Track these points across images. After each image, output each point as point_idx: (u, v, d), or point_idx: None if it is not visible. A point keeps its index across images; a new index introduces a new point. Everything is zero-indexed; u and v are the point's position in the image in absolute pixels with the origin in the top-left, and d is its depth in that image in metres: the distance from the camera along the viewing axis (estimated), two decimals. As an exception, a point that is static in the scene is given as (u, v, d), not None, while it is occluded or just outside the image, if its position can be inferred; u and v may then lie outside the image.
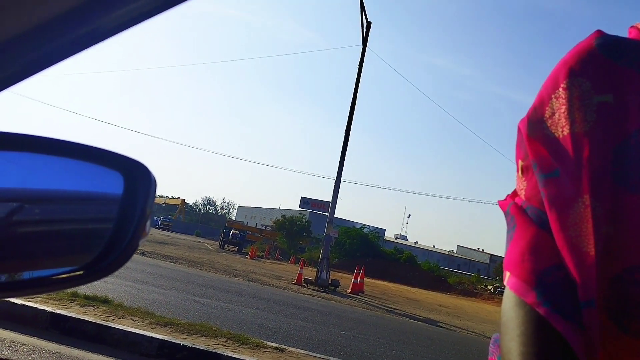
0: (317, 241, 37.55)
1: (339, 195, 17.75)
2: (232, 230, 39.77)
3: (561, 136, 0.57)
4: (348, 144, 17.61)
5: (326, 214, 18.34)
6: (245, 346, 5.44)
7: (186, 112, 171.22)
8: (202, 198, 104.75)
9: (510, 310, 0.56)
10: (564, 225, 0.55)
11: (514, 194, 0.64)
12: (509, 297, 0.56)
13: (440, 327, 12.54)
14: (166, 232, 49.07)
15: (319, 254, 18.15)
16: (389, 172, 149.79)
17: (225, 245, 37.96)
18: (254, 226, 56.55)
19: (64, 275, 0.57)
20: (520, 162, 0.62)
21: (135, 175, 0.58)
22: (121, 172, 0.58)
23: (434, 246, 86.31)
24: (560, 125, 0.57)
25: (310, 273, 18.68)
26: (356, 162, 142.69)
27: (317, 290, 15.70)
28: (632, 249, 0.53)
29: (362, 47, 17.65)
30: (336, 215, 18.82)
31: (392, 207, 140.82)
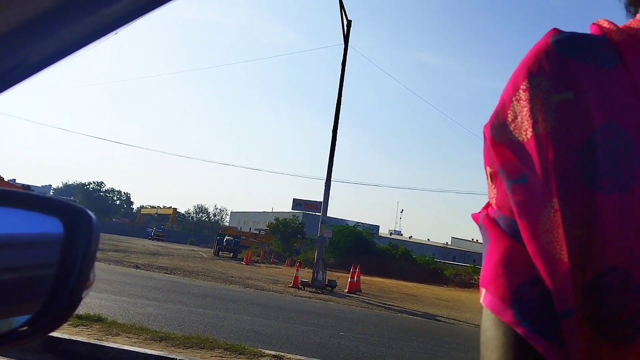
0: (312, 242, 37.47)
1: (330, 195, 17.74)
2: (226, 237, 39.64)
3: (525, 140, 0.55)
4: (336, 143, 17.61)
5: (319, 214, 18.30)
6: (243, 356, 5.39)
7: (174, 121, 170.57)
8: (194, 206, 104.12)
9: (488, 329, 0.54)
10: (535, 233, 0.52)
11: (488, 204, 0.61)
12: (487, 315, 0.54)
13: (439, 321, 12.56)
14: (159, 243, 48.80)
15: (314, 255, 18.10)
16: (380, 168, 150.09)
17: (220, 252, 37.83)
18: (248, 231, 56.44)
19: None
20: (488, 169, 0.60)
21: (76, 222, 0.53)
22: (61, 219, 0.54)
23: (428, 239, 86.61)
24: (524, 128, 0.55)
25: (306, 275, 18.64)
26: (347, 160, 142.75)
27: (314, 292, 15.66)
28: (605, 252, 0.51)
29: (344, 45, 17.65)
30: (329, 214, 18.79)
31: (384, 203, 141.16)
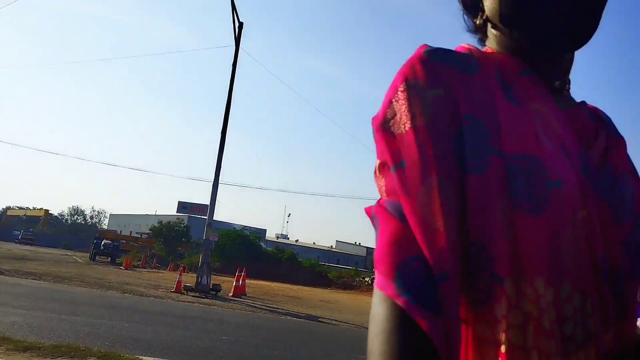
0: (197, 246, 36.52)
1: (217, 198, 17.45)
2: (104, 240, 37.29)
3: (404, 131, 0.63)
4: (225, 146, 17.38)
5: (205, 217, 17.91)
6: (118, 363, 5.15)
7: (48, 116, 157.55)
8: (69, 207, 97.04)
9: (375, 306, 0.58)
10: (415, 207, 0.59)
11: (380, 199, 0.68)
12: (375, 294, 0.58)
13: (322, 322, 12.86)
14: (28, 247, 44.82)
15: (199, 259, 17.69)
16: (268, 172, 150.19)
17: (97, 257, 35.51)
18: (129, 234, 53.61)
19: None
20: (377, 161, 0.67)
21: None
22: None
23: (314, 243, 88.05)
24: (402, 122, 0.64)
25: (190, 279, 18.14)
26: (235, 163, 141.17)
27: (197, 297, 15.30)
28: (470, 227, 0.59)
29: (235, 47, 17.51)
30: (216, 218, 18.46)
31: (272, 207, 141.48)
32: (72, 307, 9.50)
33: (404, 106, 0.64)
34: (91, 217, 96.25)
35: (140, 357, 5.56)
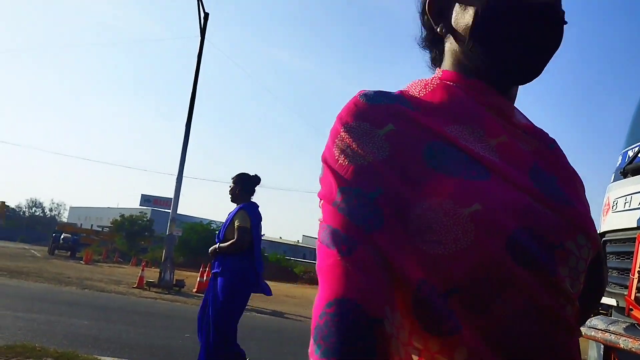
0: (161, 240, 35.89)
1: (182, 191, 17.16)
2: (63, 234, 36.36)
3: (354, 167, 0.69)
4: (189, 138, 17.09)
5: (169, 211, 17.58)
6: (76, 364, 4.98)
7: (4, 105, 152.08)
8: (27, 200, 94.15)
9: None
10: (353, 261, 0.64)
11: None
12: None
13: (287, 317, 12.82)
14: (-18, 240, 43.13)
15: (163, 253, 17.36)
16: (235, 165, 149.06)
17: (56, 251, 34.57)
18: (90, 228, 52.34)
19: None
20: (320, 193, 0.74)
21: None
22: None
23: (280, 238, 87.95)
24: (355, 158, 0.69)
25: (153, 274, 17.81)
26: (201, 156, 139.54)
27: (160, 293, 15.02)
28: (418, 265, 0.66)
29: (200, 38, 17.21)
30: (181, 212, 18.20)
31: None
32: (28, 304, 9.17)
33: (349, 148, 0.69)
34: (50, 210, 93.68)
35: (99, 357, 5.39)
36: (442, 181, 0.67)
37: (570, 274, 0.69)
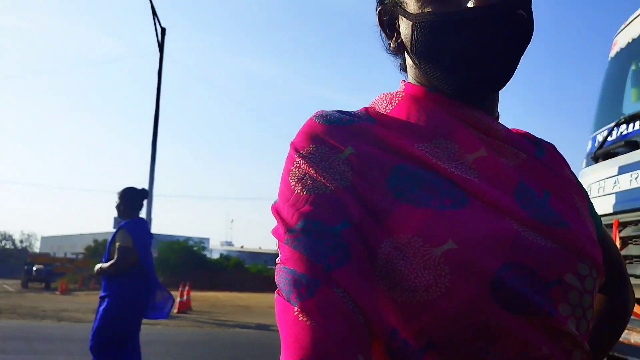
0: (138, 262, 35.24)
1: (155, 211, 16.83)
2: (36, 265, 35.36)
3: (313, 196, 0.60)
4: (157, 156, 16.79)
5: (143, 232, 17.18)
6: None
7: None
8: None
9: None
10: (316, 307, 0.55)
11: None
12: None
13: (273, 330, 12.63)
14: (-49, 280, 41.73)
15: (140, 277, 16.94)
16: (208, 180, 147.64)
17: (29, 283, 33.65)
18: (64, 256, 51.18)
19: None
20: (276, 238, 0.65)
21: None
22: None
23: (260, 248, 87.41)
24: (315, 188, 0.60)
25: (132, 299, 17.37)
26: (173, 173, 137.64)
27: (141, 317, 14.65)
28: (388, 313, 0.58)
29: (159, 54, 16.93)
30: (157, 231, 17.84)
31: (214, 214, 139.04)
32: (0, 344, 8.80)
33: (307, 175, 0.61)
34: (21, 242, 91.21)
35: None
36: (410, 214, 0.57)
37: (574, 313, 0.58)
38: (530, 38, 0.65)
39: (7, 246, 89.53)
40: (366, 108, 0.71)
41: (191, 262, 36.52)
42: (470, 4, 0.61)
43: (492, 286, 0.53)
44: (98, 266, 4.27)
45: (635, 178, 2.79)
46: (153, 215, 16.90)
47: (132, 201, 4.44)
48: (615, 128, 3.19)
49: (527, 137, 0.74)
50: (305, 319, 0.53)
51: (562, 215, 0.62)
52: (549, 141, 0.77)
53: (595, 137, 3.51)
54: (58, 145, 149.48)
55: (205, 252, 42.05)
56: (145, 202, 4.60)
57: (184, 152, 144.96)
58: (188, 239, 42.74)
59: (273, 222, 0.65)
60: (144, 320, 4.42)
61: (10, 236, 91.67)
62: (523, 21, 0.63)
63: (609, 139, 3.21)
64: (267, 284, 34.23)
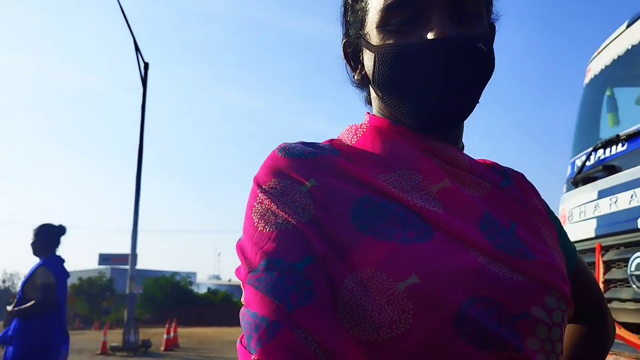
0: (124, 299, 34.67)
1: (141, 247, 16.62)
2: (18, 306, 34.51)
3: (275, 232, 0.59)
4: (141, 192, 16.67)
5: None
6: None
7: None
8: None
9: None
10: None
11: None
12: None
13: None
14: None
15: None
16: (194, 213, 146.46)
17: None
18: (47, 295, 49.98)
19: None
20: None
21: None
22: None
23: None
24: (277, 223, 0.59)
25: (117, 337, 16.96)
26: (158, 209, 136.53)
27: (126, 356, 14.34)
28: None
29: (142, 88, 16.98)
30: (143, 267, 17.60)
31: (201, 248, 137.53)
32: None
33: (269, 211, 0.60)
34: (3, 282, 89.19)
35: None
36: (373, 247, 0.56)
37: (542, 347, 0.56)
38: (491, 72, 0.66)
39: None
40: (331, 140, 0.71)
41: (178, 298, 35.97)
42: (430, 36, 0.62)
43: (456, 321, 0.52)
44: (12, 309, 4.03)
45: (615, 202, 2.81)
46: (138, 251, 16.66)
47: (48, 239, 4.27)
48: (593, 153, 3.23)
49: (494, 167, 0.74)
50: None
51: (529, 246, 0.60)
52: (520, 170, 0.77)
53: (574, 162, 3.55)
54: (41, 183, 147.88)
55: (192, 287, 41.48)
56: (62, 239, 4.36)
57: (169, 186, 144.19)
58: (175, 273, 42.17)
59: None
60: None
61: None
62: (483, 54, 0.64)
63: (588, 163, 3.25)
64: (255, 318, 33.70)
